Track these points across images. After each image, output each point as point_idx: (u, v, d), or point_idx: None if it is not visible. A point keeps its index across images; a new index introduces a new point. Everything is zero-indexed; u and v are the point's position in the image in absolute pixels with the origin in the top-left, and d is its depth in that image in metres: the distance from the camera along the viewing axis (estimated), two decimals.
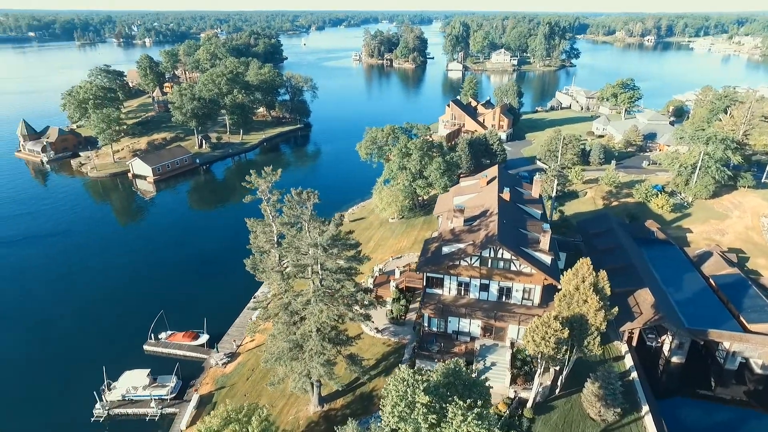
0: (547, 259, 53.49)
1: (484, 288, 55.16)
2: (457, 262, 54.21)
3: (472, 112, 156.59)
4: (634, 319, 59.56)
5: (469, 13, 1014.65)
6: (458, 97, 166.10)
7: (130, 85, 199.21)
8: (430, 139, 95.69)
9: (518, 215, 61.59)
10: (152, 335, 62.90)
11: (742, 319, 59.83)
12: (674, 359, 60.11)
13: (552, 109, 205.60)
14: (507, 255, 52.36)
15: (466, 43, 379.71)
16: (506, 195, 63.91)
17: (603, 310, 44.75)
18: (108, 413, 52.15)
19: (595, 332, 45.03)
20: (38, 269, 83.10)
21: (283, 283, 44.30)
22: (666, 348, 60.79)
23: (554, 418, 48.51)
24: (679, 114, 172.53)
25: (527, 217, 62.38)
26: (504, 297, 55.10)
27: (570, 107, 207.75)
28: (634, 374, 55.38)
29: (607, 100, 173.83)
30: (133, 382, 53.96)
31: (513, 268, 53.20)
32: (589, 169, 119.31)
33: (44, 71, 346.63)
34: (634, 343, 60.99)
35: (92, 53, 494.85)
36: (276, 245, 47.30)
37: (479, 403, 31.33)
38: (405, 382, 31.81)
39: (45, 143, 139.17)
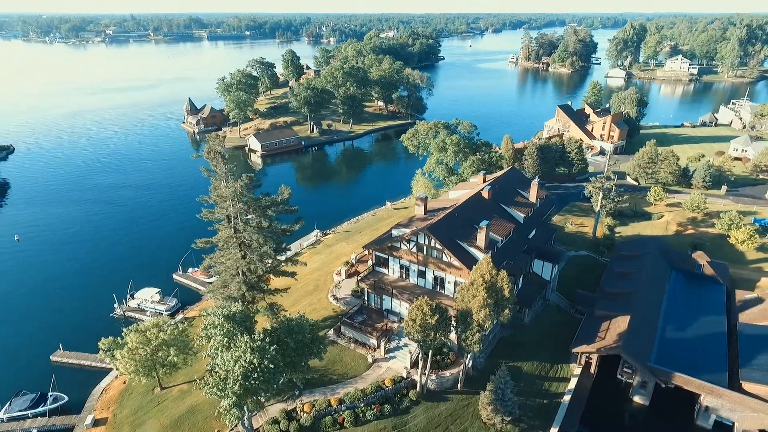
0: (481, 256, 52.80)
1: (422, 275, 56.76)
2: (398, 245, 56.91)
3: (581, 120, 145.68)
4: (592, 343, 54.55)
5: (680, 15, 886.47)
6: (568, 103, 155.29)
7: (279, 76, 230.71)
8: (475, 140, 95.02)
9: (487, 213, 60.61)
10: (181, 268, 78.54)
11: (740, 374, 50.06)
12: (636, 398, 53.46)
13: (703, 124, 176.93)
14: (439, 245, 53.40)
15: (636, 47, 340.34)
16: (486, 193, 63.27)
17: (487, 308, 43.94)
18: (124, 314, 68.41)
19: (476, 328, 44.52)
20: (143, 209, 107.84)
21: (226, 230, 53.63)
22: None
23: (441, 408, 48.86)
24: None
25: (498, 217, 60.97)
26: (438, 287, 55.97)
27: (730, 124, 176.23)
28: (567, 398, 51.62)
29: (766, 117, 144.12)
30: (146, 295, 69.42)
31: (445, 259, 53.93)
32: (686, 192, 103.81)
33: (237, 62, 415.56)
34: (592, 370, 55.71)
35: (284, 48, 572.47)
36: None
37: (266, 338, 36.29)
38: (218, 306, 38.43)
39: (199, 118, 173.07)
